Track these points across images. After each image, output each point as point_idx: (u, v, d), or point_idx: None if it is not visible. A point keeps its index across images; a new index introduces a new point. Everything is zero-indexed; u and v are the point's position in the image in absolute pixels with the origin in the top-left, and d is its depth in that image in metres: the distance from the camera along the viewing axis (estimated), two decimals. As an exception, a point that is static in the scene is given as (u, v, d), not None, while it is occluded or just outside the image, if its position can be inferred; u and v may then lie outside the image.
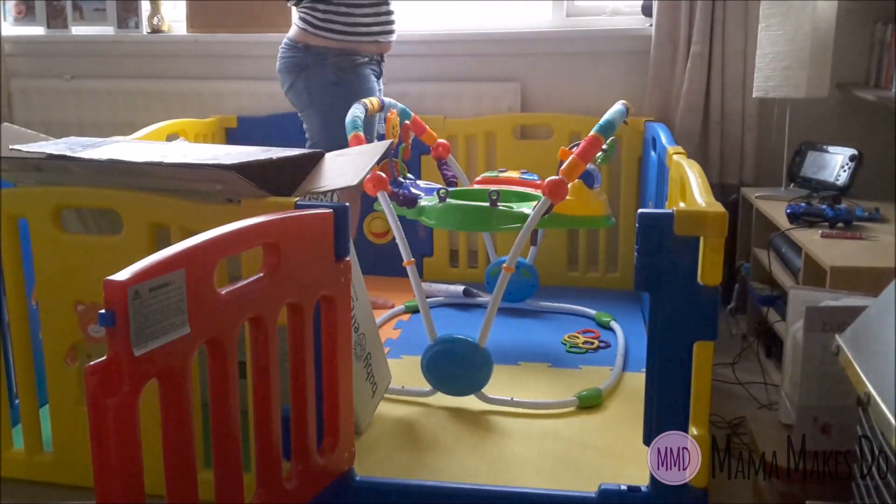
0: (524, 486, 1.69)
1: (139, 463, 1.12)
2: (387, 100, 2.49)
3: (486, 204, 2.15)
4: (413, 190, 2.30)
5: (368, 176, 2.04)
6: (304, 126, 2.67)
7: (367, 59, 2.60)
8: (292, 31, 2.63)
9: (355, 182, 1.67)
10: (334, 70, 2.55)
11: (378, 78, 2.69)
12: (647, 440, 1.53)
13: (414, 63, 3.05)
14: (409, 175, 2.46)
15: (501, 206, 2.15)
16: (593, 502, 1.60)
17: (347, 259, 1.58)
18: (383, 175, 2.16)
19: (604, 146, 2.19)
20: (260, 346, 1.37)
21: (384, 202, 2.14)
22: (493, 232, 2.74)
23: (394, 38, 2.67)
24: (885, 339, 1.19)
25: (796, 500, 1.53)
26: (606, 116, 2.12)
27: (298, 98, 2.63)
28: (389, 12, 2.63)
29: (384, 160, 2.29)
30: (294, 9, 2.65)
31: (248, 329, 1.37)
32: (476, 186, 2.50)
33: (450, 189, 2.33)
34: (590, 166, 2.20)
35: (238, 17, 3.13)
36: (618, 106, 2.18)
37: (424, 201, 2.26)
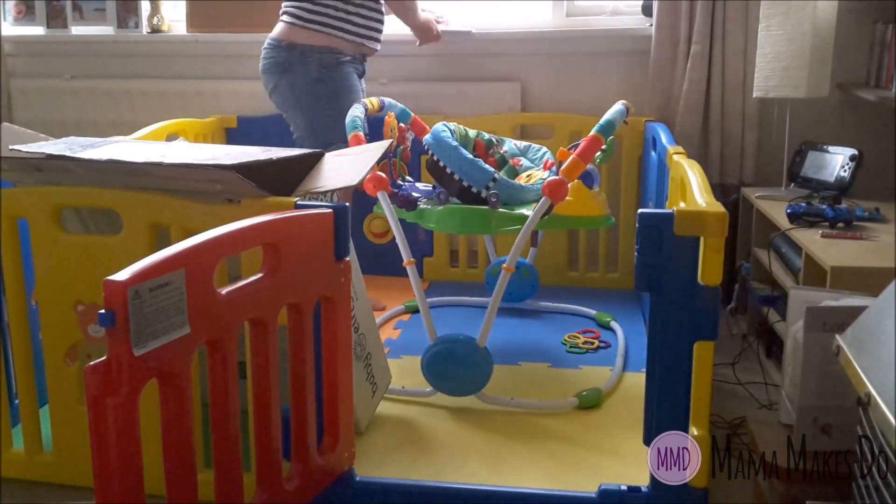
0: (524, 487, 1.69)
1: (139, 463, 1.12)
2: (387, 100, 2.48)
3: (486, 206, 2.14)
4: (412, 193, 2.29)
5: (368, 176, 2.04)
6: (291, 127, 2.69)
7: (350, 57, 2.62)
8: (277, 29, 2.64)
9: (355, 182, 1.67)
10: (317, 67, 2.55)
11: (360, 77, 2.72)
12: (648, 440, 1.53)
13: (414, 63, 3.05)
14: (409, 178, 2.46)
15: (502, 209, 2.14)
16: (593, 502, 1.60)
17: (347, 259, 1.58)
18: (383, 175, 2.16)
19: (603, 146, 2.18)
20: (260, 346, 1.37)
21: (384, 202, 2.13)
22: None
23: (378, 46, 2.72)
24: (885, 339, 1.19)
25: (796, 500, 1.53)
26: (606, 116, 2.12)
27: (283, 98, 2.63)
28: (380, 20, 2.68)
29: (384, 160, 2.29)
30: (283, 5, 2.65)
31: (248, 329, 1.37)
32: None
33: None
34: (589, 166, 2.20)
35: (238, 17, 3.13)
36: (618, 106, 2.18)
37: (424, 204, 2.26)
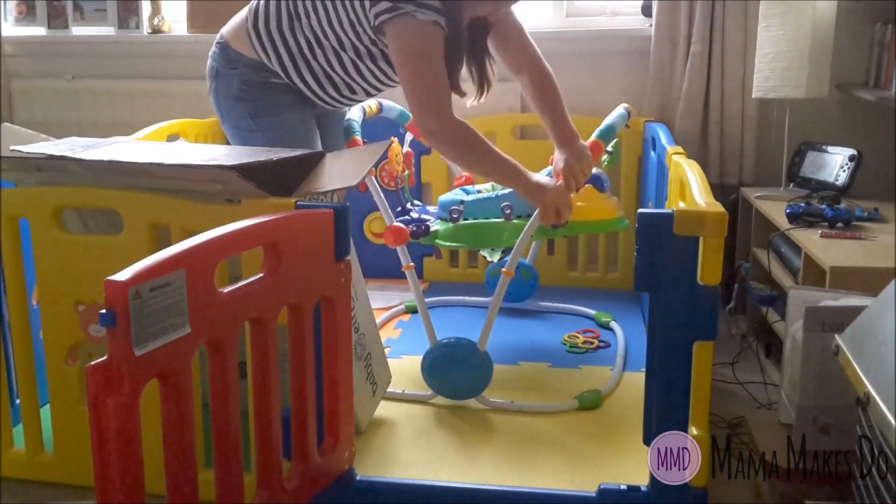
0: (524, 486, 1.69)
1: (139, 463, 1.12)
2: (385, 102, 2.46)
3: (501, 220, 2.13)
4: (422, 216, 2.27)
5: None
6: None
7: (283, 82, 2.05)
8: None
9: (355, 182, 1.68)
10: (239, 82, 2.06)
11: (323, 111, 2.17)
12: (647, 440, 1.53)
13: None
14: (417, 203, 2.45)
15: (516, 221, 2.13)
16: (593, 502, 1.60)
17: (347, 259, 1.58)
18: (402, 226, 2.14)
19: (609, 149, 2.18)
20: (260, 346, 1.38)
21: (380, 203, 2.13)
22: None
23: (338, 106, 2.16)
24: (884, 339, 1.19)
25: (796, 500, 1.53)
26: (607, 121, 2.11)
27: (215, 107, 2.16)
28: (354, 98, 2.13)
29: (383, 161, 2.29)
30: None
31: (249, 329, 1.38)
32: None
33: (464, 201, 2.25)
34: (597, 170, 2.20)
35: (238, 17, 3.13)
36: (619, 110, 2.17)
37: (435, 225, 2.23)
